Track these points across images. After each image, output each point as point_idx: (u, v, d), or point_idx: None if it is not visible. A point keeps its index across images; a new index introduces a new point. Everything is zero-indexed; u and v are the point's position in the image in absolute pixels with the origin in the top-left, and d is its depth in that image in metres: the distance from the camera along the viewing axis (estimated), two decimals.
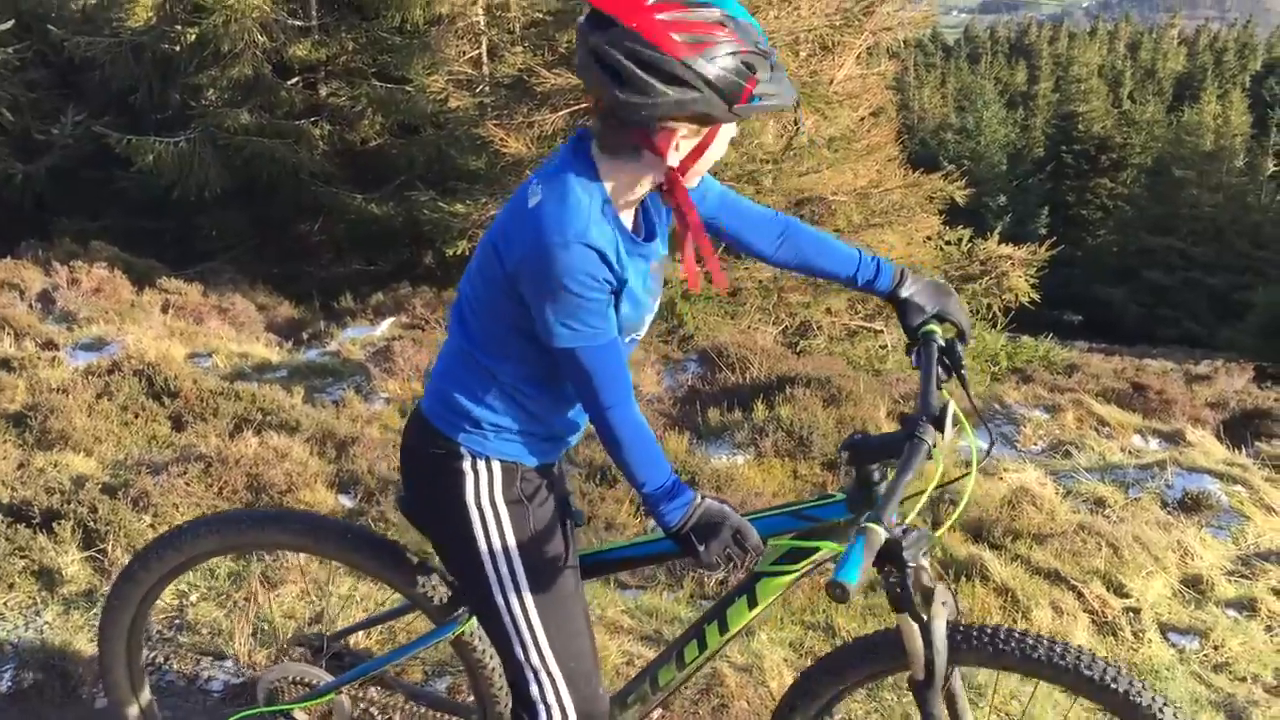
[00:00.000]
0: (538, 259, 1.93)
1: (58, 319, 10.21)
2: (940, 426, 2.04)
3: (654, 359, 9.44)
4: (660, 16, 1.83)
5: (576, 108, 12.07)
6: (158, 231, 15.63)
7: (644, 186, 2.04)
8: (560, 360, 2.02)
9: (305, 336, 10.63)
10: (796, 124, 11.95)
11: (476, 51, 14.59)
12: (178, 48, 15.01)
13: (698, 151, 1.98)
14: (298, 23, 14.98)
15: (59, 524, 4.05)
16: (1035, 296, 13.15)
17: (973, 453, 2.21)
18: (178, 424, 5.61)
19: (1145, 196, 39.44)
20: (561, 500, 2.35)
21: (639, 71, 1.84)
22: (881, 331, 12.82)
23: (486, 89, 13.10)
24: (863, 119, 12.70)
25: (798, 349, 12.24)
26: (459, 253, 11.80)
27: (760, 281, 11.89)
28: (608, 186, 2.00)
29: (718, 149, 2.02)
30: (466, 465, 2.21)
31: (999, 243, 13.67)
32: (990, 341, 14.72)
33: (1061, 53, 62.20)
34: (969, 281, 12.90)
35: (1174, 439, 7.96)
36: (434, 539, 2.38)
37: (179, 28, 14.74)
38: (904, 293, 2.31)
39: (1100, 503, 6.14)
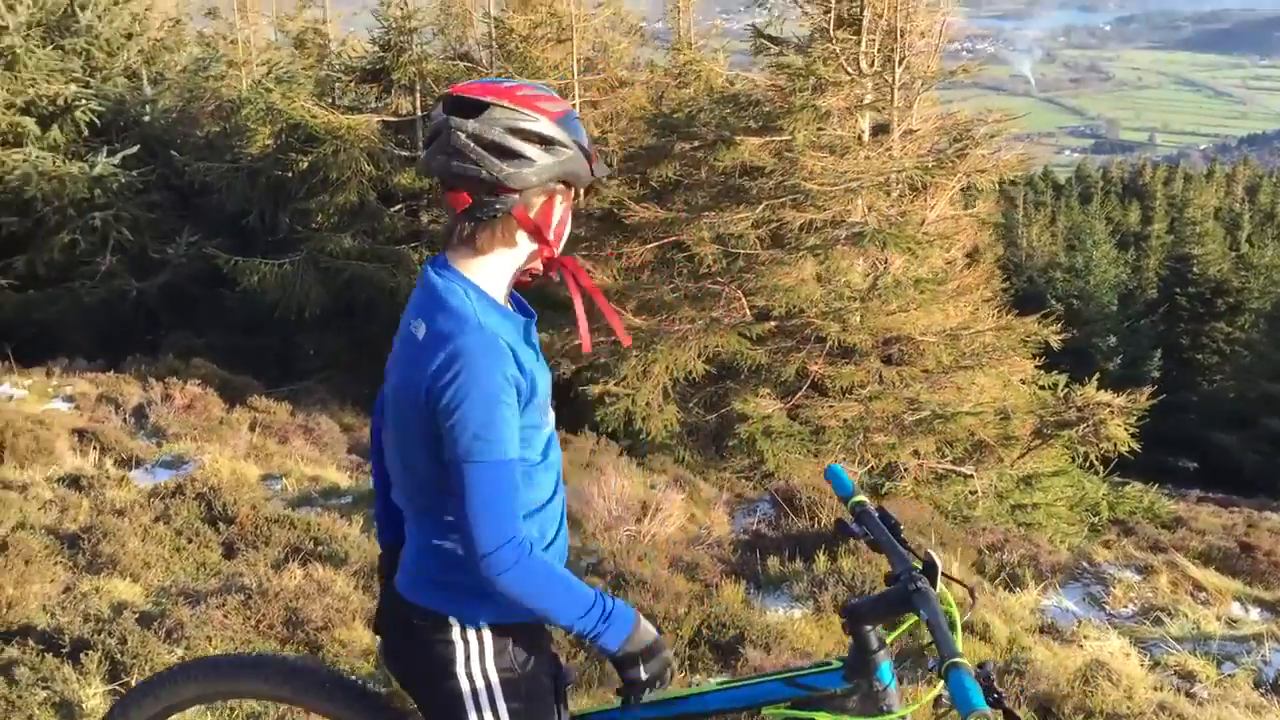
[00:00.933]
0: (448, 366, 1.93)
1: (148, 434, 10.48)
2: (931, 571, 2.07)
3: (725, 497, 9.26)
4: (521, 93, 2.02)
5: (666, 240, 12.19)
6: (260, 349, 16.08)
7: (515, 275, 2.10)
8: (460, 482, 1.95)
9: None
10: (885, 263, 11.89)
11: None
12: (290, 174, 15.65)
13: (564, 222, 2.12)
14: (404, 153, 15.52)
15: (86, 655, 4.03)
16: (1135, 446, 12.63)
17: (953, 609, 2.16)
18: (229, 551, 5.62)
19: (1264, 342, 38.08)
20: (552, 661, 2.26)
21: (519, 140, 1.98)
22: (971, 476, 12.41)
23: (581, 220, 13.32)
24: (954, 259, 12.54)
25: (882, 491, 11.92)
26: None
27: (845, 420, 11.67)
28: (481, 284, 2.05)
29: (568, 218, 2.15)
30: (456, 635, 2.13)
31: (1099, 388, 13.24)
32: (1091, 490, 14.15)
33: (1177, 194, 61.22)
34: (1065, 428, 12.45)
35: (1278, 609, 7.45)
36: (418, 701, 2.28)
37: (292, 155, 15.38)
38: None
39: (1189, 677, 5.71)
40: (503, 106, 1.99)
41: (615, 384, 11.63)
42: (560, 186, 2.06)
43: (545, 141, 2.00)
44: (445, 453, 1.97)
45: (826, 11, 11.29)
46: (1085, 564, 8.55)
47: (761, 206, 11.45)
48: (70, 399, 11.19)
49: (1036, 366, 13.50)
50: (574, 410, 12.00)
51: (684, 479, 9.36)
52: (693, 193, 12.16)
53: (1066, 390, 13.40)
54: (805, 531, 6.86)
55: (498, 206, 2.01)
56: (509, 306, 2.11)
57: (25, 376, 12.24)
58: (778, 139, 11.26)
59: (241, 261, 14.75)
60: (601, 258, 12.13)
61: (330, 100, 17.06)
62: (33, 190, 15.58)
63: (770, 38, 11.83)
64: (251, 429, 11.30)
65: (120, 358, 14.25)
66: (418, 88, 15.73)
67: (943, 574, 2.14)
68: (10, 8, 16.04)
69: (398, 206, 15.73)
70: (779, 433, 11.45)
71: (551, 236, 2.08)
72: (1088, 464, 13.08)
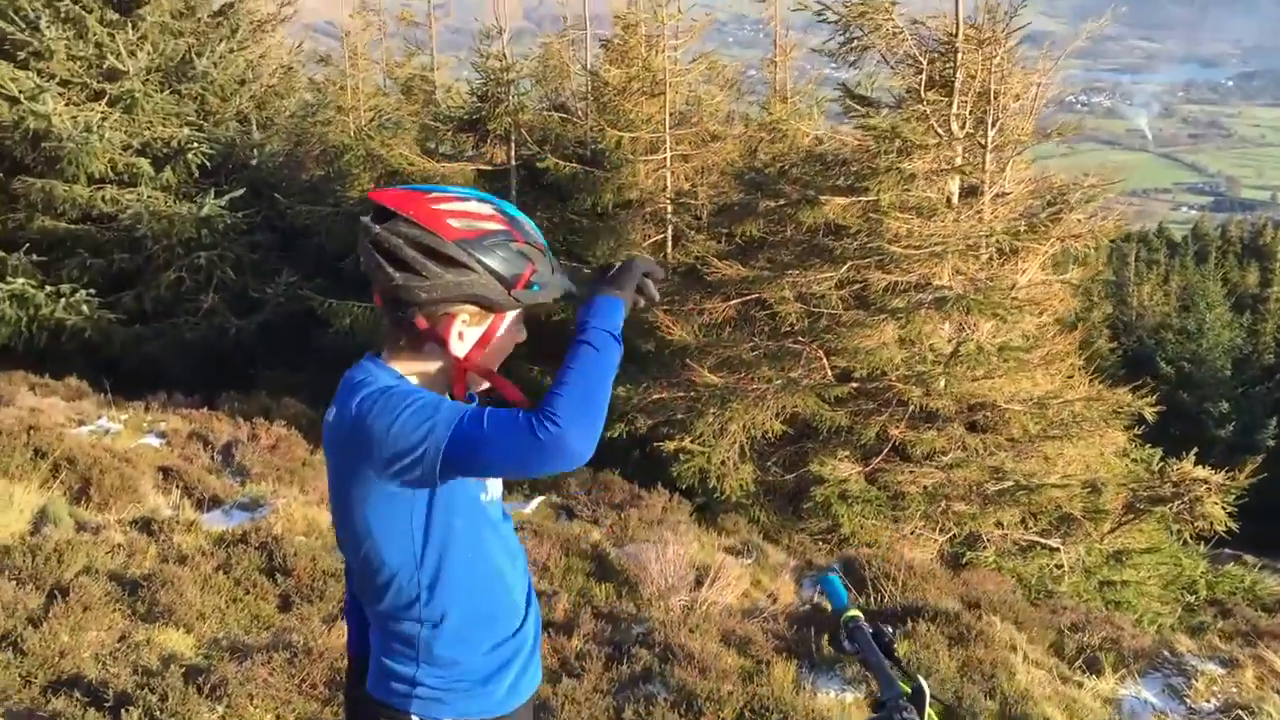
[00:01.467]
0: (367, 405, 1.93)
1: (233, 473, 10.74)
2: (919, 699, 2.04)
3: (794, 564, 9.12)
4: (436, 206, 1.97)
5: (748, 297, 12.14)
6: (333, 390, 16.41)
7: (435, 385, 2.05)
8: (452, 461, 1.89)
9: None
10: (973, 328, 11.65)
11: (662, 235, 14.99)
12: None
13: (483, 341, 2.04)
14: None
15: (127, 711, 4.10)
16: (1232, 525, 12.11)
17: None
18: (284, 604, 5.70)
19: None
20: None
21: (415, 254, 1.94)
22: (1057, 549, 12.02)
23: (663, 274, 13.36)
24: (1045, 325, 12.23)
25: (963, 560, 11.61)
26: (615, 436, 11.85)
27: (925, 487, 11.42)
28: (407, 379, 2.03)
29: (504, 341, 2.09)
30: None
31: (1207, 457, 12.73)
32: (1188, 566, 13.61)
33: None
34: (1158, 504, 11.99)
35: None
36: None
37: None
38: None
39: None
40: (405, 219, 1.96)
41: (690, 440, 11.57)
42: (470, 307, 2.02)
43: (445, 261, 1.96)
44: (421, 471, 1.92)
45: (918, 73, 11.18)
46: (1167, 653, 8.19)
47: (845, 267, 11.34)
48: (163, 434, 11.53)
49: (1137, 434, 13.06)
50: (648, 465, 11.97)
51: (752, 544, 9.24)
52: (777, 250, 12.09)
53: (1161, 464, 12.92)
54: (864, 608, 6.70)
55: (399, 314, 2.01)
56: None
57: (122, 410, 12.67)
58: (863, 200, 11.16)
59: (335, 304, 15.11)
60: (683, 313, 12.11)
61: (433, 147, 17.46)
62: (144, 229, 16.21)
63: (859, 97, 11.74)
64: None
65: (216, 394, 14.69)
66: (513, 138, 15.99)
67: (932, 698, 2.09)
68: (131, 54, 16.78)
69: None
70: (856, 497, 11.25)
71: (458, 353, 2.04)
72: (1190, 538, 12.60)
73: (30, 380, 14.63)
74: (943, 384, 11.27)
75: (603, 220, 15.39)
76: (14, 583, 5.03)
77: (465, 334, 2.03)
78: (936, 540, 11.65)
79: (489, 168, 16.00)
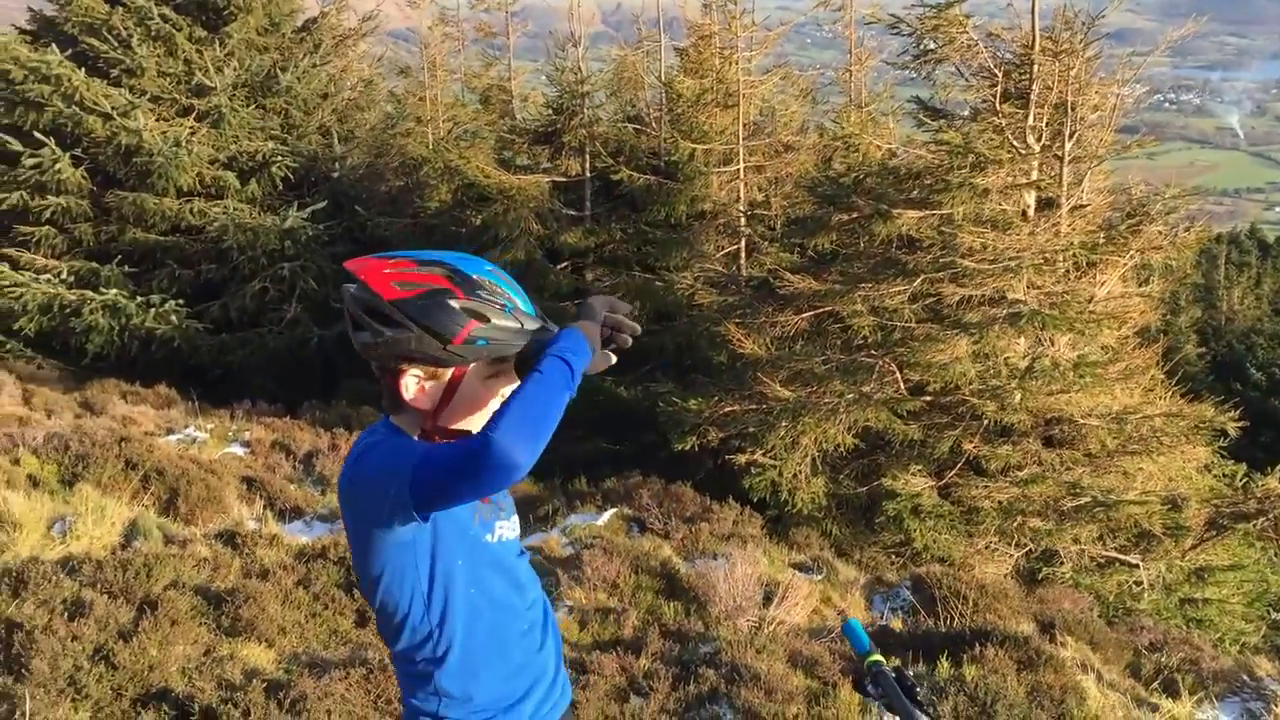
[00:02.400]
0: (363, 457, 2.14)
1: (314, 482, 11.02)
2: None
3: (865, 580, 9.10)
4: (387, 270, 2.11)
5: (820, 310, 12.13)
6: None
7: (422, 431, 2.21)
8: (421, 490, 2.02)
9: (531, 519, 10.93)
10: (1051, 342, 11.51)
11: (735, 247, 15.02)
12: (463, 230, 16.29)
13: (447, 396, 2.15)
14: (572, 212, 15.95)
15: None
16: None
17: None
18: (361, 619, 5.87)
19: None
20: None
21: (363, 314, 2.11)
22: (1137, 566, 11.82)
23: (734, 287, 13.40)
24: (1124, 339, 12.03)
25: (1039, 576, 11.48)
26: (686, 448, 11.92)
27: (1000, 502, 11.31)
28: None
29: (470, 394, 2.17)
30: None
31: None
32: (1275, 583, 13.27)
33: None
34: (1241, 521, 11.74)
35: None
36: None
37: (467, 212, 16.02)
38: None
39: None
40: (360, 283, 2.13)
41: (762, 453, 11.59)
42: (415, 362, 2.14)
43: (385, 320, 2.10)
44: (403, 509, 2.05)
45: (993, 85, 11.09)
46: (1247, 676, 8.05)
47: (919, 280, 11.27)
48: (247, 444, 11.87)
49: (1222, 447, 12.78)
50: (719, 478, 12.02)
51: (823, 559, 9.25)
52: (850, 263, 12.06)
53: (1245, 480, 12.63)
54: (933, 631, 6.69)
55: (374, 371, 2.20)
56: None
57: (209, 419, 13.05)
58: (937, 213, 11.09)
59: None
60: (754, 325, 12.13)
61: (509, 158, 17.71)
62: (230, 240, 16.68)
63: (932, 110, 11.68)
64: None
65: (298, 402, 15.07)
66: (587, 150, 16.15)
67: None
68: (219, 70, 17.28)
69: (564, 264, 16.16)
70: (929, 512, 11.18)
71: (422, 407, 2.17)
72: (1277, 553, 12.32)
73: (122, 388, 15.16)
74: (1018, 398, 11.15)
75: (676, 231, 15.47)
76: (106, 596, 5.26)
77: (427, 388, 2.16)
78: (1011, 556, 11.53)
79: (563, 179, 16.18)
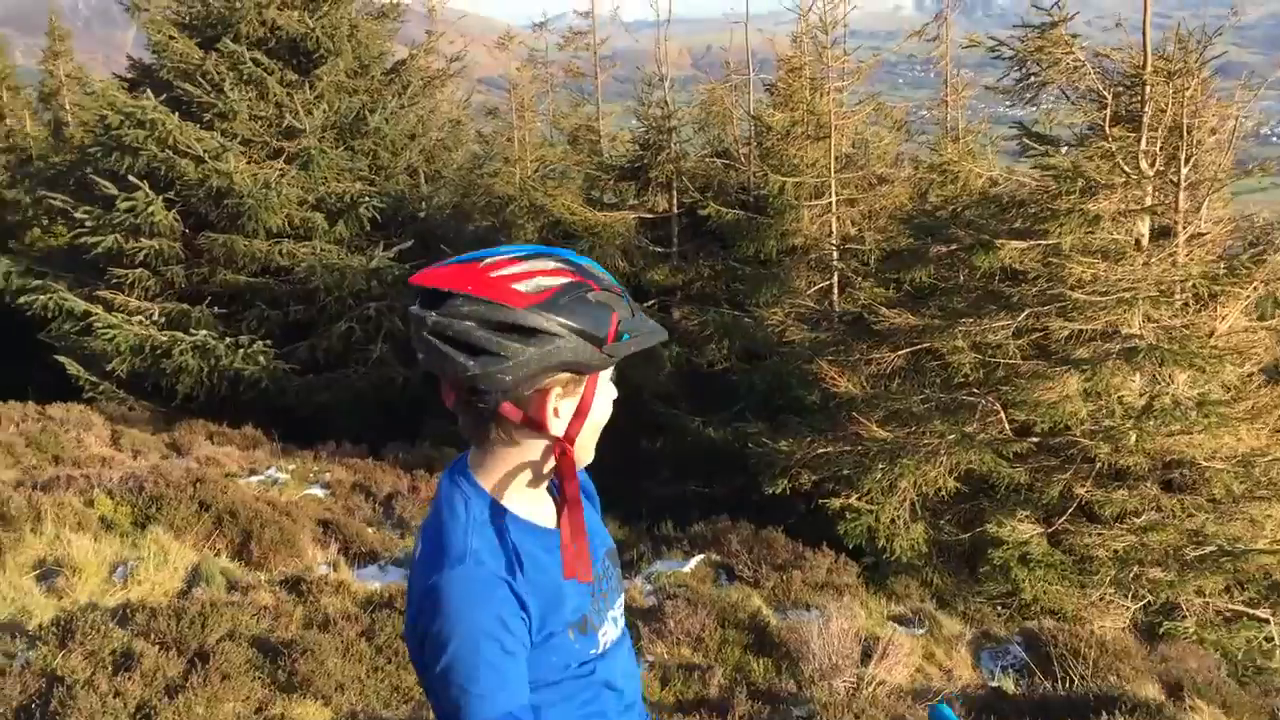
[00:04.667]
0: (422, 606, 1.67)
1: (394, 525, 10.74)
2: None
3: (972, 635, 8.46)
4: (495, 274, 1.69)
5: (918, 347, 11.55)
6: None
7: (537, 474, 1.77)
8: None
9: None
10: (1169, 379, 10.77)
11: (827, 282, 14.51)
12: None
13: (581, 412, 1.76)
14: (659, 249, 15.61)
15: None
16: None
17: None
18: None
19: None
20: None
21: (488, 334, 1.66)
22: (1268, 620, 10.94)
23: (827, 323, 12.88)
24: (1248, 377, 11.21)
25: (1160, 631, 10.67)
26: (778, 492, 11.39)
27: (1115, 551, 10.56)
28: (494, 491, 1.75)
29: (601, 407, 1.80)
30: None
31: None
32: None
33: None
34: None
35: None
36: None
37: None
38: None
39: None
40: (465, 296, 1.67)
41: (857, 497, 11.01)
42: (561, 376, 1.72)
43: (523, 332, 1.67)
44: (435, 711, 1.69)
45: (1101, 108, 10.46)
46: None
47: (1024, 314, 10.65)
48: (327, 485, 11.67)
49: None
50: (813, 523, 11.44)
51: (925, 612, 8.64)
52: (949, 297, 11.47)
53: None
54: (1051, 695, 6.07)
55: (480, 405, 1.71)
56: (541, 510, 1.82)
57: (291, 460, 12.91)
58: (1042, 243, 10.48)
59: None
60: (849, 363, 11.60)
61: (596, 195, 17.47)
62: (317, 281, 16.67)
63: (1037, 135, 11.09)
64: None
65: (383, 443, 14.89)
66: (675, 185, 15.82)
67: None
68: (308, 112, 17.38)
69: (650, 302, 15.80)
70: (1038, 561, 10.48)
71: (558, 431, 1.74)
72: None
73: (209, 429, 15.14)
74: (1134, 440, 10.40)
75: (765, 267, 15.02)
76: (158, 647, 4.96)
77: (560, 409, 1.74)
78: (1128, 608, 10.75)
79: (650, 215, 15.86)
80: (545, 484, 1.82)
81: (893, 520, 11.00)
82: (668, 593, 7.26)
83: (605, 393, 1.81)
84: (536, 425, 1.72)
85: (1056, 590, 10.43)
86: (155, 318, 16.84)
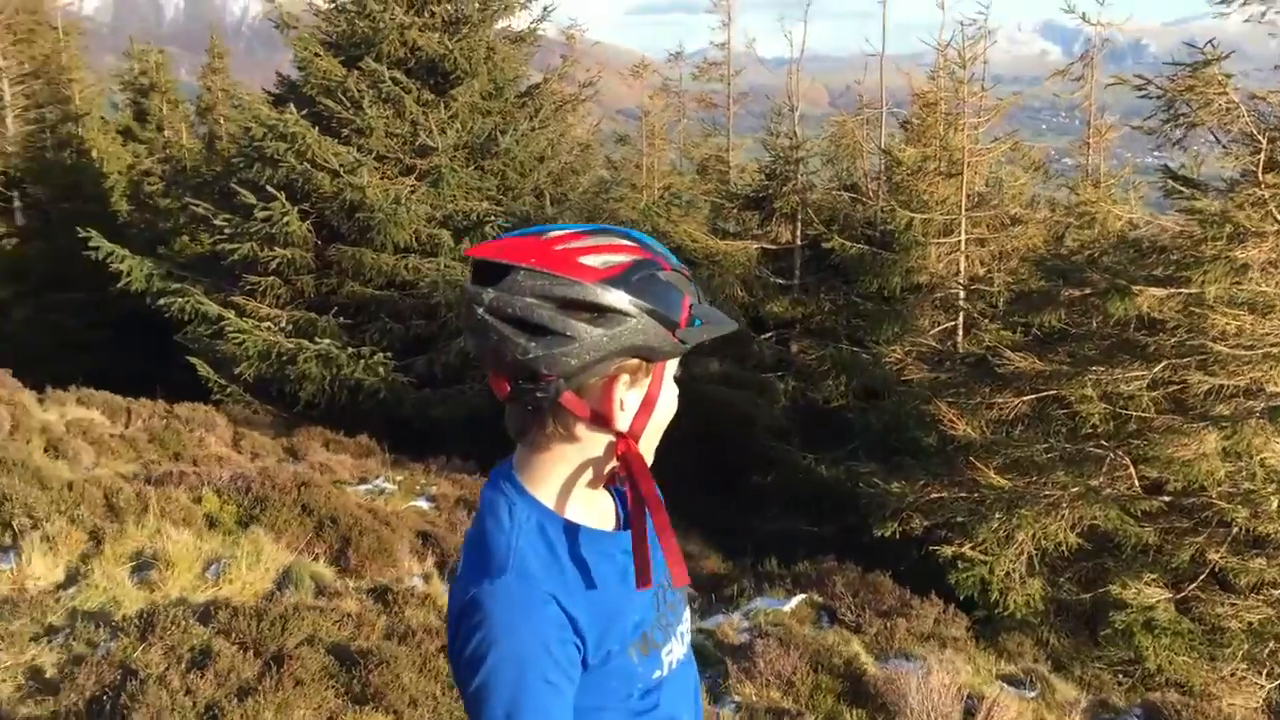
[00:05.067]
0: (462, 622, 1.50)
1: None
2: None
3: (1088, 701, 7.96)
4: (562, 247, 1.52)
5: (1044, 394, 11.05)
6: None
7: (597, 474, 1.59)
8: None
9: (713, 599, 10.26)
10: None
11: (952, 323, 14.06)
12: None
13: (648, 405, 1.58)
14: (780, 280, 15.36)
15: None
16: None
17: None
18: None
19: None
20: None
21: (553, 312, 1.49)
22: None
23: (949, 364, 12.43)
24: None
25: None
26: (887, 535, 10.99)
27: (1250, 624, 9.87)
28: (544, 495, 1.57)
29: (668, 400, 1.63)
30: None
31: None
32: None
33: None
34: None
35: None
36: None
37: None
38: None
39: None
40: (528, 269, 1.49)
41: (971, 546, 10.54)
42: (629, 363, 1.54)
43: (592, 310, 1.49)
44: None
45: (1255, 152, 9.87)
46: None
47: (1161, 365, 10.09)
48: (432, 498, 11.71)
49: None
50: (924, 571, 10.99)
51: (1037, 674, 8.16)
52: (1080, 344, 10.95)
53: None
54: None
55: (539, 395, 1.52)
56: (598, 514, 1.64)
57: (400, 471, 13.01)
58: (1184, 291, 9.91)
59: None
60: (969, 406, 11.15)
61: (720, 224, 17.33)
62: (440, 296, 16.88)
63: (1183, 179, 10.52)
64: None
65: (492, 461, 14.88)
66: (799, 217, 15.58)
67: None
68: (442, 131, 17.67)
69: (768, 334, 15.56)
70: (1164, 628, 9.86)
71: (623, 426, 1.56)
72: None
73: (326, 436, 15.40)
74: (1275, 505, 9.74)
75: (888, 304, 14.64)
76: (236, 647, 4.92)
77: (625, 401, 1.56)
78: (1263, 686, 10.03)
79: (773, 246, 15.64)
80: (602, 485, 1.65)
81: (1008, 573, 10.51)
82: (760, 631, 6.99)
83: (670, 387, 1.65)
84: (601, 419, 1.55)
85: (1183, 661, 9.79)
86: (283, 325, 17.25)
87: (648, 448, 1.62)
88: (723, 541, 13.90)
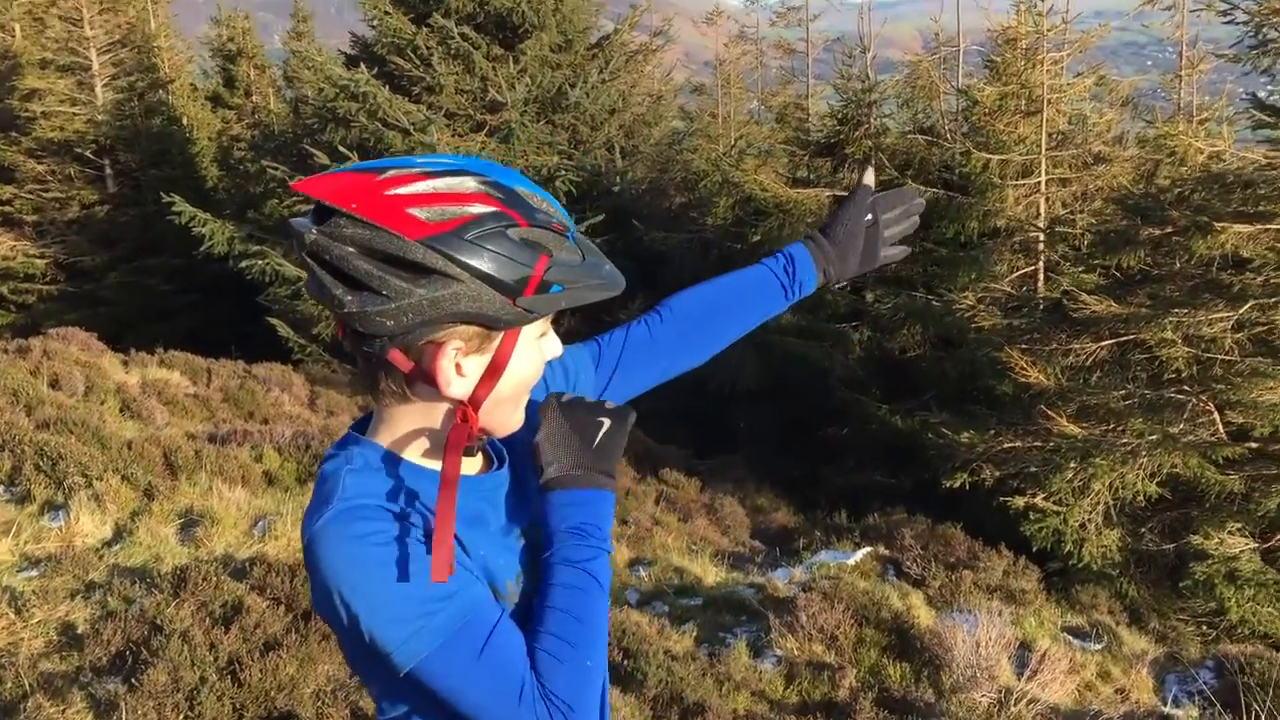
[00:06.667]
0: (312, 564, 1.35)
1: None
2: None
3: (1159, 654, 7.67)
4: (392, 192, 1.33)
5: (1123, 338, 10.63)
6: (695, 415, 16.23)
7: (435, 439, 1.44)
8: (417, 682, 1.36)
9: (778, 552, 10.15)
10: None
11: (1032, 267, 13.60)
12: (740, 247, 15.71)
13: (493, 372, 1.40)
14: None
15: None
16: None
17: None
18: None
19: None
20: None
21: (369, 265, 1.31)
22: None
23: (1024, 310, 12.01)
24: None
25: None
26: (955, 485, 10.72)
27: None
28: (389, 443, 1.44)
29: (524, 366, 1.44)
30: None
31: None
32: None
33: None
34: None
35: None
36: None
37: (745, 229, 15.43)
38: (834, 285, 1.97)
39: None
40: (349, 216, 1.31)
41: (1044, 497, 10.23)
42: (463, 329, 1.36)
43: (412, 269, 1.31)
44: (409, 692, 1.41)
45: None
46: None
47: (1247, 305, 9.62)
48: None
49: None
50: (995, 522, 10.72)
51: (1104, 626, 7.89)
52: (1161, 285, 10.49)
53: None
54: None
55: (365, 348, 1.37)
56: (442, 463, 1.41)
57: None
58: (1272, 227, 9.41)
59: None
60: (1044, 353, 10.78)
61: (800, 174, 16.99)
62: None
63: (1270, 108, 9.96)
64: (656, 502, 11.25)
65: None
66: (872, 162, 15.17)
67: None
68: (511, 86, 17.58)
69: (841, 284, 15.24)
70: (1248, 579, 9.49)
71: (457, 393, 1.39)
72: None
73: None
74: None
75: (964, 250, 14.19)
76: (269, 603, 4.96)
77: (464, 366, 1.39)
78: None
79: (844, 193, 15.26)
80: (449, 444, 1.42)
81: (1083, 524, 10.18)
82: (806, 585, 6.85)
83: (531, 352, 1.45)
84: (429, 382, 1.39)
85: (1268, 613, 9.41)
86: None
87: (502, 417, 1.46)
88: (797, 495, 13.74)
